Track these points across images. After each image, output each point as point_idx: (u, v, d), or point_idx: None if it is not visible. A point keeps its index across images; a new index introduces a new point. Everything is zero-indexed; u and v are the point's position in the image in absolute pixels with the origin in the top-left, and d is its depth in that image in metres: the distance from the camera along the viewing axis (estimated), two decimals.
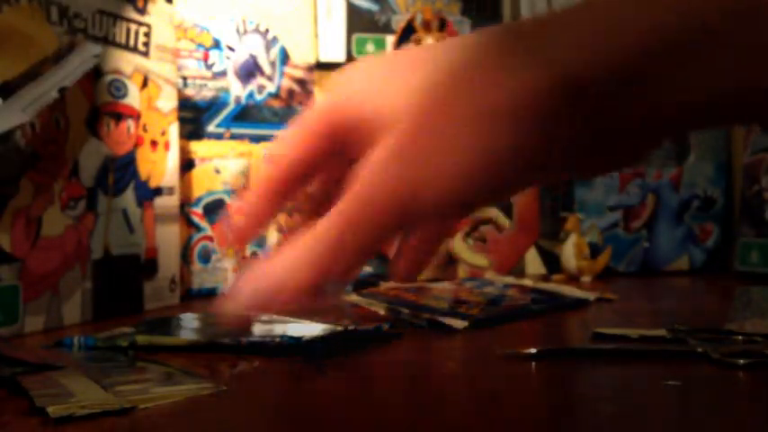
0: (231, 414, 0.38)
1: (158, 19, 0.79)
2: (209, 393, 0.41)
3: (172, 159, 0.81)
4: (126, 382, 0.42)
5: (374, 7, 1.13)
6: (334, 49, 1.11)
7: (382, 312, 0.68)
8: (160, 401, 0.39)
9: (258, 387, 0.44)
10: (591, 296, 0.77)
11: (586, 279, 0.95)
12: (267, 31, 1.05)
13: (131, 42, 0.76)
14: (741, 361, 0.45)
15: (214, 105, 1.00)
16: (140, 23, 0.77)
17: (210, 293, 0.90)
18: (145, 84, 0.77)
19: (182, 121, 0.86)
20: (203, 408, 0.39)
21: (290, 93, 1.06)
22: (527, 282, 0.87)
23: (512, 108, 0.27)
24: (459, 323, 0.61)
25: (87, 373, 0.44)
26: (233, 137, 0.99)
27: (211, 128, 1.00)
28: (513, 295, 0.75)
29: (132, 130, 0.75)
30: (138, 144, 0.76)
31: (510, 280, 0.89)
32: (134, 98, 0.75)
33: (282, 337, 0.52)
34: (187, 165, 0.90)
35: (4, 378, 0.43)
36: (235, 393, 0.41)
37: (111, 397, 0.39)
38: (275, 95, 1.04)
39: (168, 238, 0.81)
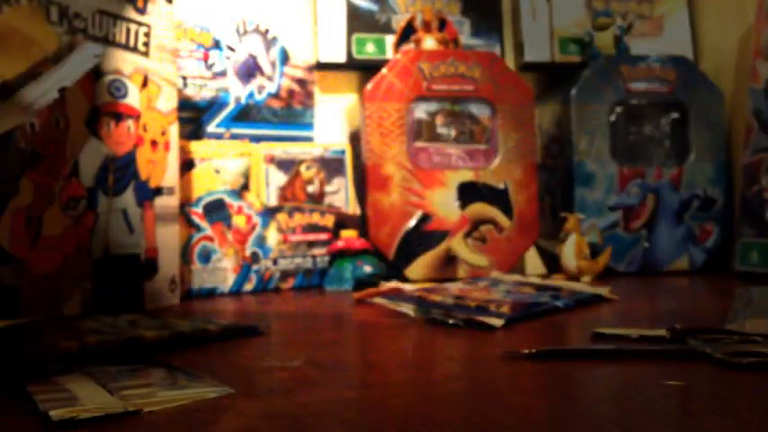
0: (237, 417, 0.38)
1: (158, 19, 0.79)
2: (215, 396, 0.41)
3: (172, 159, 0.81)
4: (132, 386, 0.42)
5: (374, 7, 1.13)
6: (334, 49, 1.11)
7: (411, 314, 0.68)
8: (166, 405, 0.39)
9: (266, 390, 0.44)
10: (603, 291, 0.78)
11: (586, 279, 0.95)
12: (267, 31, 1.05)
13: (131, 42, 0.76)
14: (741, 361, 0.45)
15: (214, 105, 1.00)
16: (140, 23, 0.77)
17: (210, 293, 0.90)
18: (145, 84, 0.77)
19: (182, 121, 0.86)
20: (209, 411, 0.39)
21: (290, 93, 1.06)
22: (535, 279, 0.87)
23: None
24: (496, 321, 0.61)
25: (95, 377, 0.44)
26: (233, 137, 0.99)
27: (211, 128, 1.00)
28: (530, 293, 0.75)
29: (132, 130, 0.75)
30: (138, 144, 0.76)
31: (517, 278, 0.89)
32: (134, 98, 0.75)
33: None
34: (187, 165, 0.90)
35: (12, 382, 0.43)
36: (241, 396, 0.42)
37: (117, 401, 0.39)
38: (275, 95, 1.04)
39: (168, 238, 0.81)
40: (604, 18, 1.14)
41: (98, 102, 0.71)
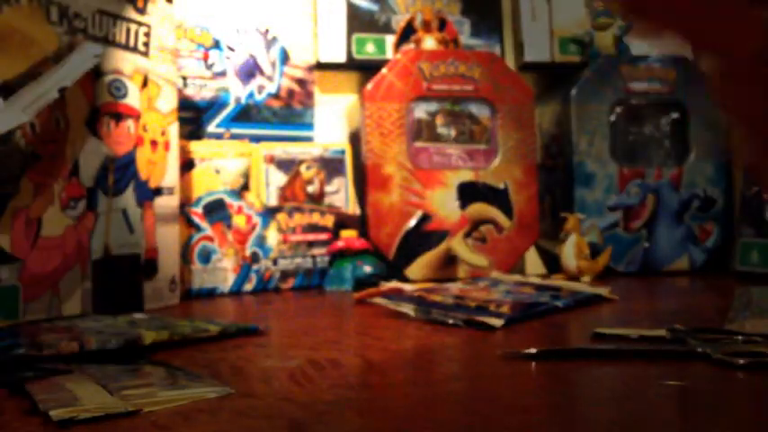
0: (237, 417, 0.38)
1: (158, 19, 0.79)
2: (215, 396, 0.41)
3: (172, 159, 0.81)
4: (132, 386, 0.42)
5: (374, 7, 1.13)
6: (334, 49, 1.11)
7: (412, 314, 0.68)
8: (166, 405, 0.39)
9: (266, 390, 0.44)
10: (603, 291, 0.78)
11: (586, 279, 0.95)
12: (267, 31, 1.05)
13: (131, 42, 0.76)
14: (741, 361, 0.45)
15: (214, 105, 1.00)
16: (140, 23, 0.77)
17: (210, 293, 0.90)
18: (145, 84, 0.77)
19: (182, 121, 0.86)
20: (209, 411, 0.39)
21: (290, 93, 1.06)
22: (535, 279, 0.87)
23: None
24: (496, 321, 0.61)
25: (94, 377, 0.44)
26: (233, 137, 0.99)
27: (211, 128, 1.00)
28: (530, 293, 0.75)
29: (132, 130, 0.75)
30: (138, 144, 0.76)
31: (517, 278, 0.89)
32: (134, 98, 0.75)
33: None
34: (187, 165, 0.90)
35: (12, 382, 0.43)
36: (241, 396, 0.42)
37: (117, 401, 0.39)
38: (275, 95, 1.04)
39: (168, 238, 0.81)
40: (604, 18, 1.14)
41: (98, 102, 0.71)
